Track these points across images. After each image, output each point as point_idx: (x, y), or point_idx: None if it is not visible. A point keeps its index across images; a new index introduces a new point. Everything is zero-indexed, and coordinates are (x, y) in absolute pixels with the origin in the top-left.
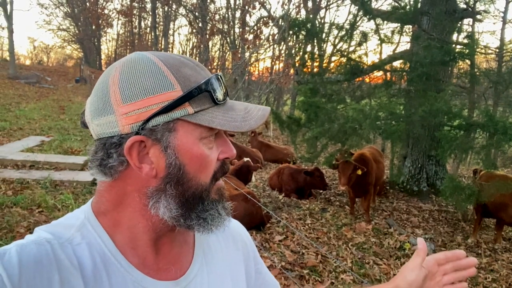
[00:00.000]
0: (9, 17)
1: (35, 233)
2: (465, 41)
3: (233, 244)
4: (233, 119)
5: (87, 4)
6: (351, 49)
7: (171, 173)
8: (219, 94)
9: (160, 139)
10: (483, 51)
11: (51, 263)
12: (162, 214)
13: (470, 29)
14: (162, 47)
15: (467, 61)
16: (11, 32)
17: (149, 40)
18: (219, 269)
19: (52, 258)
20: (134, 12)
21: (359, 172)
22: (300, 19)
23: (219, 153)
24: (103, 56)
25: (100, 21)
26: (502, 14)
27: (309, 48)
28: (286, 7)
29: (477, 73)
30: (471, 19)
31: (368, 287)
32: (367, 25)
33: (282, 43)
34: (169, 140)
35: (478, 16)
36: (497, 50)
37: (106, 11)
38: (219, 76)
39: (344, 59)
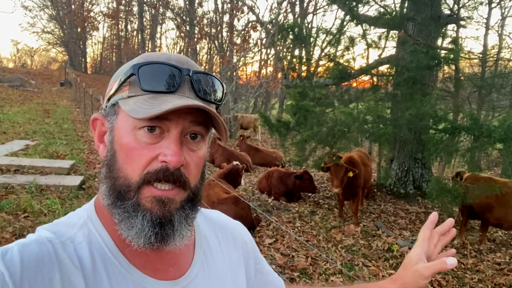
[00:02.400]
0: None
1: (37, 232)
2: (450, 46)
3: (234, 245)
4: (143, 107)
5: (73, 6)
6: (338, 53)
7: (106, 156)
8: (153, 82)
9: (110, 121)
10: (467, 56)
11: (52, 262)
12: (103, 201)
13: (454, 35)
14: (149, 50)
15: (452, 66)
16: None
17: (136, 43)
18: (220, 269)
19: (53, 257)
20: (121, 15)
21: (351, 174)
22: (288, 23)
23: (160, 154)
24: (88, 59)
25: (85, 24)
26: (485, 21)
27: (297, 52)
28: (275, 11)
29: (462, 78)
30: (455, 25)
31: (370, 283)
32: (354, 30)
33: (271, 47)
34: (113, 122)
35: (462, 22)
36: (481, 56)
37: (92, 14)
38: (179, 69)
39: (331, 64)
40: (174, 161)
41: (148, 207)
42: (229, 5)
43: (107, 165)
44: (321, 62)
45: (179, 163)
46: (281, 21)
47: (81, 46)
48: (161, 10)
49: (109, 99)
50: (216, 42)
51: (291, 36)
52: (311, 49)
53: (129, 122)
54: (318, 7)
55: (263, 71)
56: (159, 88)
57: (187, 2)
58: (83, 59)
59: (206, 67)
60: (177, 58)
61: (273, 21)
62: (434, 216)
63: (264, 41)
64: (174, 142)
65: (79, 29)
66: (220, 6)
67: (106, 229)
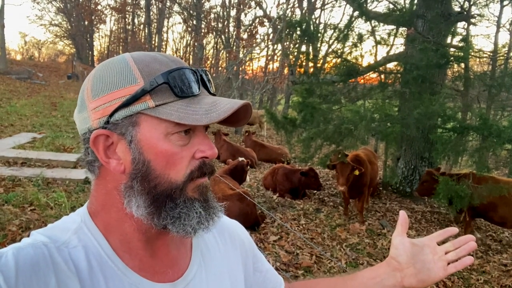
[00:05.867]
0: (0, 12)
1: (32, 236)
2: (460, 44)
3: (231, 244)
4: (195, 112)
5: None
6: (346, 50)
7: (136, 169)
8: (185, 87)
9: (124, 134)
10: (477, 54)
11: (48, 266)
12: (135, 212)
13: (465, 33)
14: (156, 44)
15: (461, 64)
16: (2, 26)
17: (143, 37)
18: (218, 269)
19: (49, 261)
20: (128, 8)
21: (357, 172)
22: (296, 19)
23: (195, 151)
24: (95, 53)
25: (93, 17)
26: (496, 18)
27: (304, 48)
28: (284, 6)
29: (471, 77)
30: (466, 23)
31: (364, 269)
32: (362, 26)
33: (278, 43)
34: (132, 134)
35: (473, 20)
36: (491, 54)
37: (99, 7)
38: (192, 70)
39: (339, 60)
40: (213, 153)
41: (197, 197)
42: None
43: (141, 177)
44: (328, 59)
45: (216, 154)
46: (289, 17)
47: (88, 39)
48: (168, 4)
49: (113, 113)
50: (223, 37)
51: (298, 32)
52: (319, 45)
53: (160, 129)
54: (326, 3)
55: (270, 66)
56: (190, 92)
57: None
58: (90, 52)
59: (213, 62)
60: (177, 59)
61: (281, 16)
62: (454, 230)
63: (271, 37)
64: (205, 137)
65: (86, 22)
66: (227, 0)
67: (102, 232)
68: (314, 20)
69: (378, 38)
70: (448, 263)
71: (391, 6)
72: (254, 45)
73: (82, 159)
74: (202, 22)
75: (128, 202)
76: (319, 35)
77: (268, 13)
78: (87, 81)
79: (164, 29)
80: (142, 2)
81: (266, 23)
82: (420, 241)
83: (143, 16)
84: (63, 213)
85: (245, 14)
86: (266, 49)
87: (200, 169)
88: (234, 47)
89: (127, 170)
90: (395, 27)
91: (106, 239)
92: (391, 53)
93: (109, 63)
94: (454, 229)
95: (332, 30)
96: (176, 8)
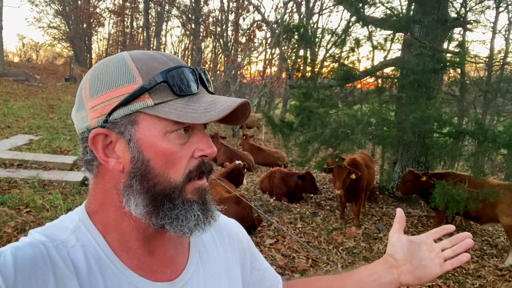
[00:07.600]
0: None
1: (30, 236)
2: (456, 50)
3: (229, 243)
4: (194, 111)
5: (79, 2)
6: (343, 54)
7: (135, 168)
8: (184, 86)
9: (123, 132)
10: (473, 60)
11: (46, 265)
12: (134, 211)
13: (461, 38)
14: (154, 47)
15: (457, 69)
16: (0, 28)
17: (141, 40)
18: (215, 269)
19: (47, 260)
20: (126, 11)
21: (353, 176)
22: (294, 23)
23: (194, 150)
24: (93, 55)
25: (91, 20)
26: (492, 25)
27: (301, 53)
28: (282, 10)
29: (467, 82)
30: (462, 29)
31: (362, 267)
32: (359, 31)
33: (276, 47)
34: (131, 133)
35: (469, 26)
36: (487, 60)
37: (98, 10)
38: (191, 69)
39: (336, 64)
40: (212, 152)
41: (195, 199)
42: (234, 4)
43: (140, 176)
44: (325, 63)
45: (215, 152)
46: (287, 21)
47: (87, 42)
48: (166, 7)
49: (111, 112)
50: (221, 40)
51: (296, 36)
52: (316, 49)
53: (159, 128)
54: (324, 8)
55: (267, 70)
56: (189, 91)
57: (193, 0)
58: (88, 55)
59: (211, 65)
60: (175, 57)
61: (279, 21)
62: (451, 227)
63: (269, 41)
64: (204, 136)
65: (85, 25)
66: (226, 4)
67: (100, 232)
68: (311, 25)
69: (375, 43)
70: (445, 260)
71: (388, 11)
72: (252, 49)
73: (80, 158)
74: (201, 25)
75: (126, 201)
76: (316, 39)
77: (266, 17)
78: (85, 80)
79: (163, 32)
80: (141, 6)
81: (264, 27)
82: (417, 238)
83: (142, 20)
84: (59, 215)
85: (244, 18)
86: (264, 53)
87: (198, 168)
88: (232, 51)
89: (126, 169)
90: (392, 32)
91: (104, 238)
92: (388, 58)
93: (107, 61)
94: (450, 227)
95: (330, 35)
96: (174, 11)
